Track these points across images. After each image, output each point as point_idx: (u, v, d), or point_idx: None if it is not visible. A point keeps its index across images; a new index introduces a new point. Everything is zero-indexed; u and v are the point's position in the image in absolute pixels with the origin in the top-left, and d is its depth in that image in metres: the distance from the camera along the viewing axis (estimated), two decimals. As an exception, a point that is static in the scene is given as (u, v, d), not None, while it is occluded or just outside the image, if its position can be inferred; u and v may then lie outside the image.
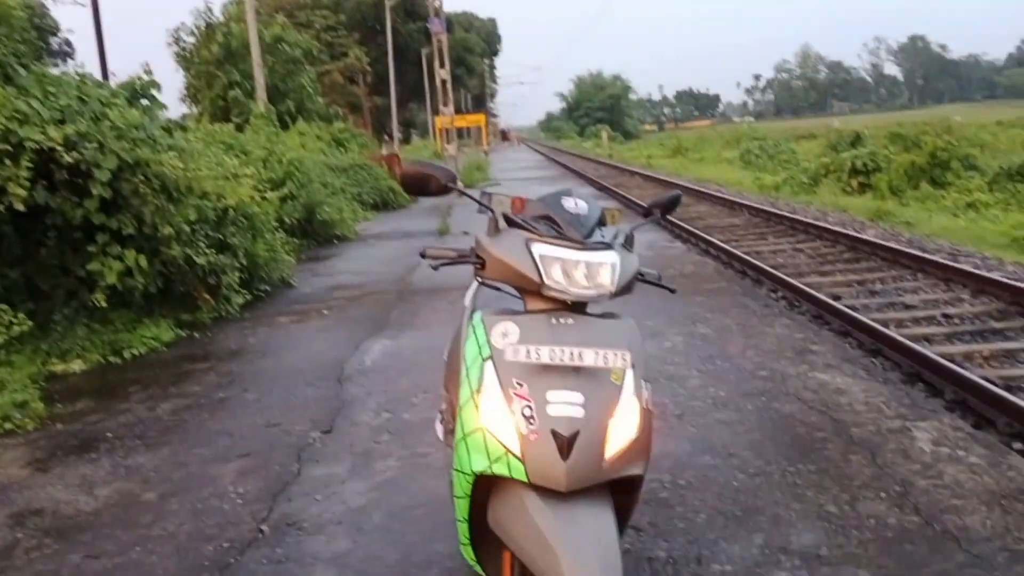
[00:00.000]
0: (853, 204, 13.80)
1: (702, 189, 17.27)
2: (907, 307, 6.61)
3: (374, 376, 4.56)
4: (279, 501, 3.06)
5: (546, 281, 1.84)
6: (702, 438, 3.40)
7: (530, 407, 1.75)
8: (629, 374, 1.81)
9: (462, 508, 1.93)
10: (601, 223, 2.01)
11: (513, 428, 1.75)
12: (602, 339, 1.82)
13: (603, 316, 1.91)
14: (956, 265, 7.60)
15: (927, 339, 5.63)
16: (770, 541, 2.58)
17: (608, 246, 1.90)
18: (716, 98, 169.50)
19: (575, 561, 1.62)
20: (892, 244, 8.98)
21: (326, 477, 3.25)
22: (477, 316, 1.97)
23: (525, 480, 1.73)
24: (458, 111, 21.63)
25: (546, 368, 1.77)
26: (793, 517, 2.72)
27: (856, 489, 2.88)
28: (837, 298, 6.82)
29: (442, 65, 26.09)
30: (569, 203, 1.96)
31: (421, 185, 2.16)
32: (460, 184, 2.16)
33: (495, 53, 63.66)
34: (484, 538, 1.95)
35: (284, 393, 4.36)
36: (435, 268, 2.16)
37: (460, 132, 20.97)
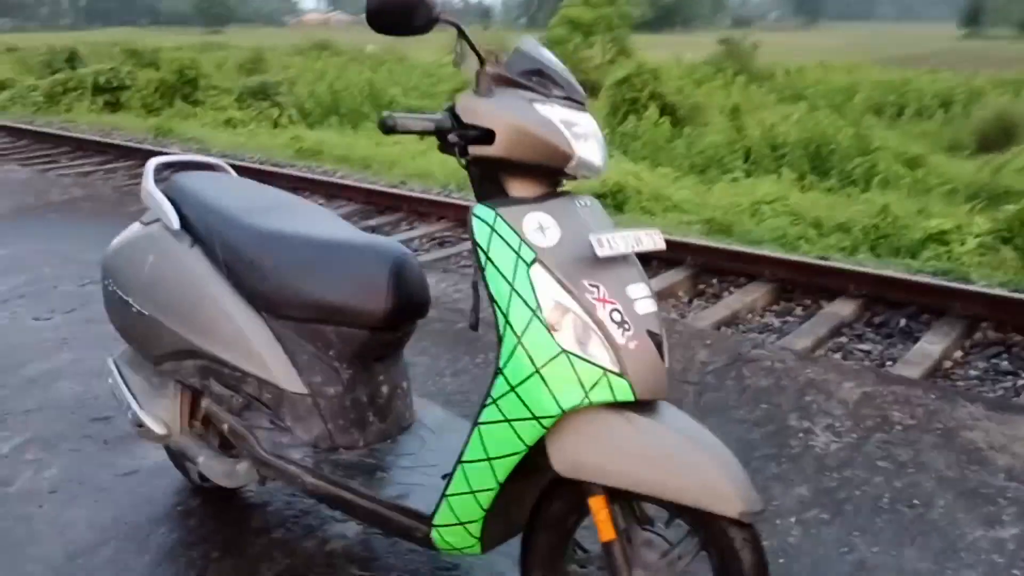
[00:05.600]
0: (126, 123, 13.03)
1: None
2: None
3: None
4: None
5: (578, 154, 1.49)
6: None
7: (618, 310, 1.44)
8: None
9: (503, 469, 1.49)
10: None
11: (606, 340, 1.42)
12: (608, 218, 1.60)
13: None
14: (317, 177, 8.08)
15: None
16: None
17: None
18: None
19: (719, 465, 1.44)
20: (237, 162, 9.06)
21: None
22: (487, 211, 1.47)
23: (631, 399, 1.43)
24: None
25: (609, 261, 1.47)
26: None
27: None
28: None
29: None
30: (548, 53, 1.58)
31: (401, 14, 1.44)
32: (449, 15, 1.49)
33: None
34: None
35: None
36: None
37: None
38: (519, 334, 1.45)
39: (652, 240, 1.54)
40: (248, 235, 1.91)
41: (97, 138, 10.43)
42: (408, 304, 1.87)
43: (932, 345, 3.98)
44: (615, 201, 8.25)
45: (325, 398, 1.89)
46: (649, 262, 5.35)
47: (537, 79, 1.55)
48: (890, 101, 17.35)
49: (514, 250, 1.47)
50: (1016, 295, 4.55)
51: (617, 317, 1.45)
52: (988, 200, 9.03)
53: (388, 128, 1.53)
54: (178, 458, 2.32)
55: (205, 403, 2.05)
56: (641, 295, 1.51)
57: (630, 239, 1.50)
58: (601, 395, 1.44)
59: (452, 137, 1.52)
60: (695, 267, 5.32)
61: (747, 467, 2.40)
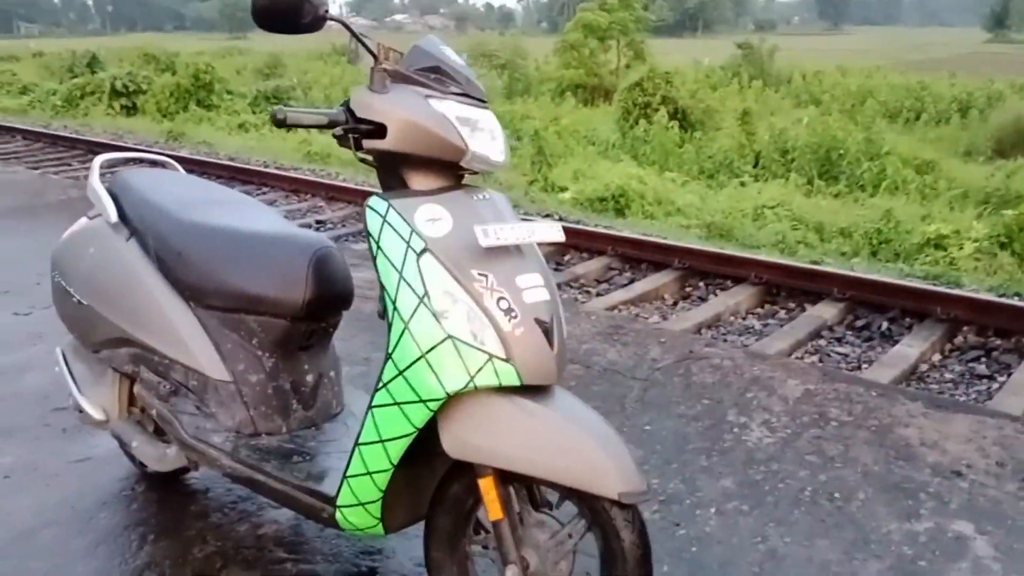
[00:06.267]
0: (140, 126, 13.27)
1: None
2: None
3: None
4: None
5: (472, 149, 1.53)
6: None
7: (506, 299, 1.49)
8: (538, 247, 1.67)
9: (396, 451, 1.54)
10: None
11: (492, 327, 1.47)
12: (512, 211, 1.65)
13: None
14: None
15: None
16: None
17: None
18: None
19: (602, 447, 1.48)
20: (237, 163, 9.16)
21: None
22: (380, 202, 1.53)
23: (517, 383, 1.48)
24: None
25: (499, 252, 1.52)
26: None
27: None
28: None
29: None
30: (449, 51, 1.63)
31: (286, 13, 1.50)
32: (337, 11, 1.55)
33: None
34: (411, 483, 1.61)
35: None
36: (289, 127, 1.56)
37: None
38: (406, 320, 1.51)
39: (548, 232, 1.59)
40: (178, 227, 1.99)
41: (109, 142, 10.64)
42: (327, 295, 1.93)
43: (910, 348, 3.98)
44: (617, 205, 8.27)
45: (248, 385, 1.95)
46: (639, 264, 5.38)
47: (434, 76, 1.60)
48: (907, 106, 17.22)
49: (404, 240, 1.52)
50: (999, 299, 4.53)
51: (504, 305, 1.50)
52: (997, 205, 8.96)
53: (279, 122, 1.58)
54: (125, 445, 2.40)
55: (136, 389, 2.13)
56: (532, 284, 1.55)
57: (521, 231, 1.55)
58: (487, 379, 1.49)
59: (338, 131, 1.57)
60: (682, 270, 5.33)
61: (678, 460, 2.47)
